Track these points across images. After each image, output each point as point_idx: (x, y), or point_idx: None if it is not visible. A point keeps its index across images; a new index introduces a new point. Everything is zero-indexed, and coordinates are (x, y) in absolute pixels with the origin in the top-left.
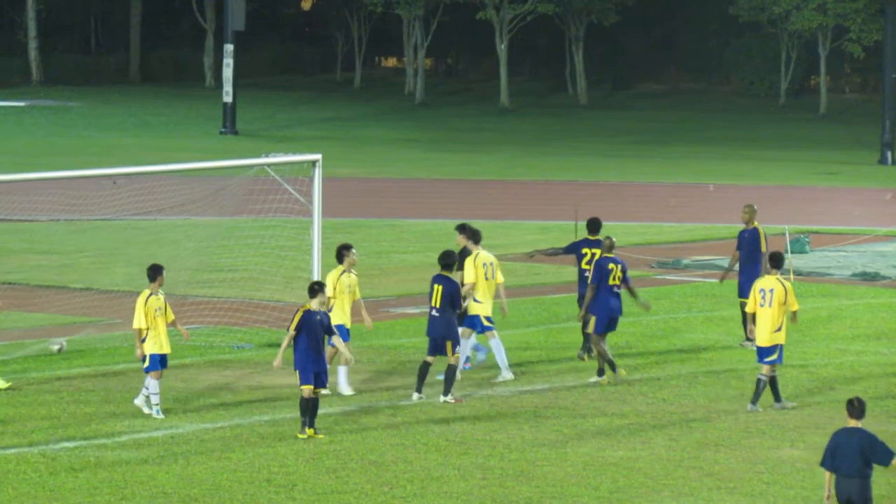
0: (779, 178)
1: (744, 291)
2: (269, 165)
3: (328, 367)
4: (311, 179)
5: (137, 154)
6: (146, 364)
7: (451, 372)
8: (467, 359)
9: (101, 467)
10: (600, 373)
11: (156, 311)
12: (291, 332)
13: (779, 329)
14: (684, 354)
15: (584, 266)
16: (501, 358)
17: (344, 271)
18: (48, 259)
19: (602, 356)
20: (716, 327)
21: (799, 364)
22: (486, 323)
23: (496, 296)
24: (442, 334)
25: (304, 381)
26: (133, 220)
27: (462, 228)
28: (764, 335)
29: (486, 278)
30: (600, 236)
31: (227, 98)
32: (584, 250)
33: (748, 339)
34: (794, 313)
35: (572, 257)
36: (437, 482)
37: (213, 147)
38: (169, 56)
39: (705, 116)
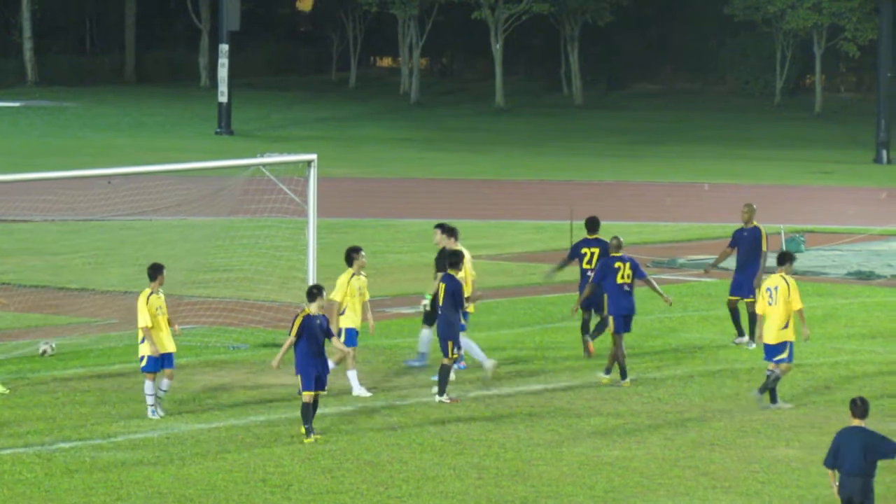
0: (774, 178)
1: (741, 290)
2: (264, 165)
3: (330, 368)
4: (307, 179)
5: (132, 154)
6: (143, 364)
7: (444, 372)
8: (461, 358)
9: (97, 468)
10: (607, 370)
11: (157, 309)
12: (292, 338)
13: (786, 326)
14: (680, 354)
15: (584, 266)
16: (476, 352)
17: (354, 274)
18: (43, 259)
19: (617, 357)
20: (711, 326)
21: (794, 363)
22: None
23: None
24: (441, 334)
25: (305, 387)
26: (128, 221)
27: (442, 227)
28: (771, 333)
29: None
30: (600, 235)
31: (223, 98)
32: (584, 250)
33: (751, 340)
34: (798, 312)
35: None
36: (432, 482)
37: (209, 147)
38: (164, 56)
39: (700, 116)
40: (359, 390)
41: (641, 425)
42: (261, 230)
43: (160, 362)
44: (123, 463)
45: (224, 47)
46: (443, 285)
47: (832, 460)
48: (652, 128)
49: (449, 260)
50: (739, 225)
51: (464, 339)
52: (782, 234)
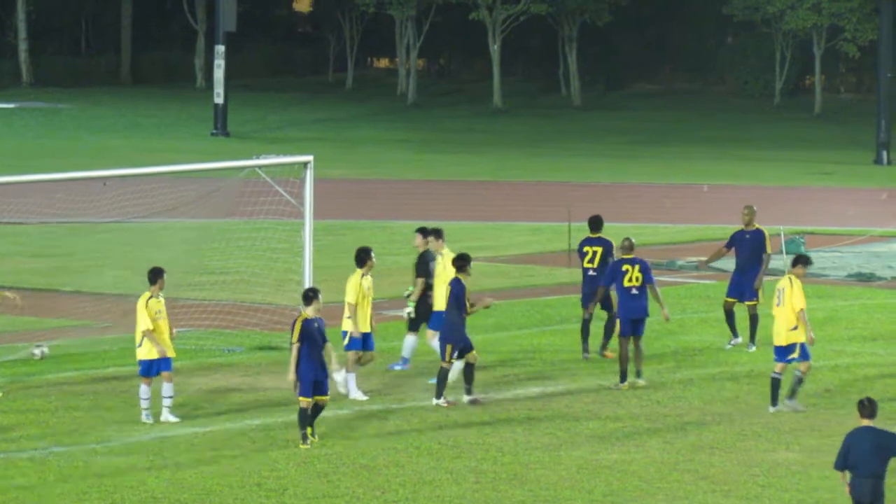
0: (773, 179)
1: (741, 293)
2: (260, 167)
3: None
4: (303, 181)
5: (128, 156)
6: (140, 368)
7: (442, 375)
8: (405, 360)
9: (91, 473)
10: (638, 374)
11: (156, 313)
12: (296, 343)
13: (795, 328)
14: (678, 356)
15: (586, 265)
16: (409, 350)
17: (364, 275)
18: (38, 262)
19: (620, 359)
20: (710, 329)
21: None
22: None
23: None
24: (441, 336)
25: (303, 393)
26: (123, 223)
27: (423, 231)
28: (780, 335)
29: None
30: (602, 234)
31: (219, 99)
32: (586, 249)
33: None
34: (799, 313)
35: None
36: (429, 486)
37: (204, 149)
38: (160, 57)
39: (699, 116)
40: (355, 394)
41: (640, 429)
42: (257, 232)
43: (157, 366)
44: (117, 467)
45: (220, 48)
46: (448, 288)
47: (842, 462)
48: (651, 128)
49: (455, 263)
50: (739, 226)
51: (435, 342)
52: (782, 236)
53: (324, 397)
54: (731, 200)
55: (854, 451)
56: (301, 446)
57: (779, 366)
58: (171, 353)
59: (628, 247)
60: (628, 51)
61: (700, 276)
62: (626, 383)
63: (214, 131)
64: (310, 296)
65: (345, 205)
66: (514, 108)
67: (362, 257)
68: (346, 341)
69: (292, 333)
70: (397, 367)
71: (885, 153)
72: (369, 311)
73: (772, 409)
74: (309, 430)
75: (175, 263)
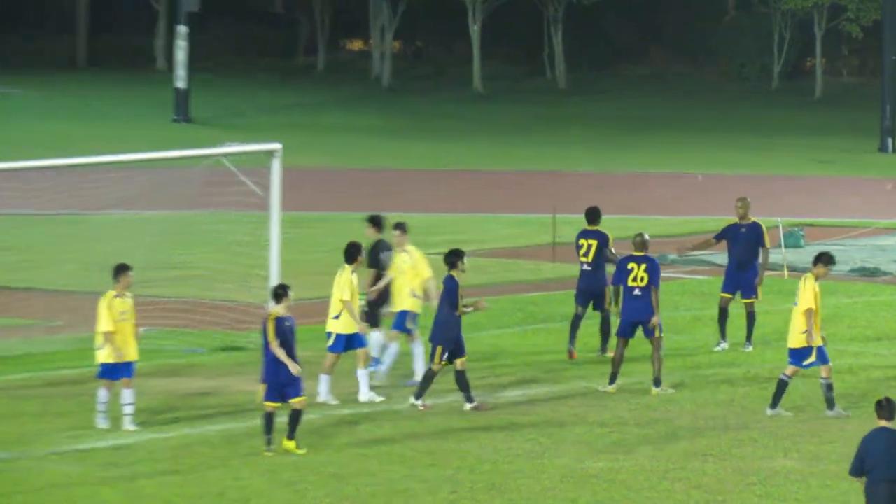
0: (771, 167)
1: (740, 290)
2: (224, 156)
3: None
4: (270, 170)
5: (83, 144)
6: (99, 371)
7: (428, 376)
8: (377, 360)
9: (41, 483)
10: (656, 383)
11: (120, 314)
12: (275, 341)
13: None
14: (670, 357)
15: (581, 258)
16: (377, 349)
17: (353, 271)
18: None
19: (613, 360)
20: (704, 328)
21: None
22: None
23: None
24: (432, 336)
25: (268, 398)
26: (78, 215)
27: (371, 219)
28: (794, 336)
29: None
30: (600, 227)
31: (181, 84)
32: (581, 241)
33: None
34: (805, 312)
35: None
36: (402, 496)
37: (165, 136)
38: (118, 39)
39: (693, 101)
40: (326, 396)
41: (629, 434)
42: (220, 225)
43: (119, 371)
44: (69, 477)
45: (182, 29)
46: (442, 286)
47: (859, 466)
48: (641, 114)
49: (447, 259)
50: (733, 219)
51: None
52: (780, 228)
53: (298, 399)
54: (727, 190)
55: (870, 454)
56: (265, 453)
57: (790, 369)
58: (132, 357)
59: (639, 243)
60: (617, 32)
61: (693, 270)
62: (613, 386)
63: (176, 118)
64: (280, 293)
65: (315, 195)
66: (495, 93)
67: (353, 253)
68: (330, 342)
69: (267, 334)
70: (372, 369)
71: (889, 140)
72: (357, 310)
73: (769, 412)
74: (293, 444)
75: (132, 258)
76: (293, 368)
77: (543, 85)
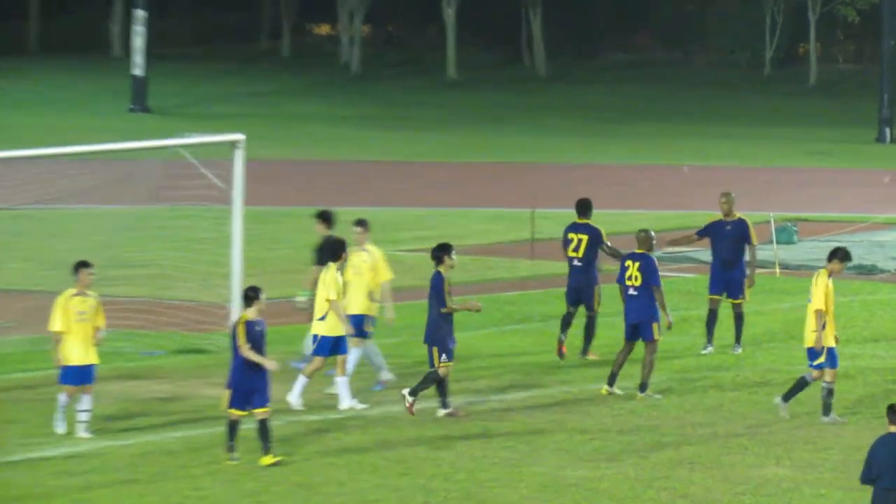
0: (763, 159)
1: (727, 289)
2: (184, 147)
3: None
4: (233, 162)
5: (35, 134)
6: (60, 374)
7: (428, 378)
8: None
9: None
10: (642, 387)
11: (78, 314)
12: (247, 345)
13: (822, 328)
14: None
15: (570, 254)
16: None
17: (338, 269)
18: None
19: (615, 361)
20: (691, 328)
21: (785, 370)
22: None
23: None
24: (427, 338)
25: (233, 404)
26: (30, 210)
27: (320, 215)
28: (806, 334)
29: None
30: (590, 220)
31: (138, 71)
32: (570, 236)
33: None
34: (815, 312)
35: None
36: None
37: (122, 127)
38: (72, 24)
39: (680, 89)
40: (296, 400)
41: (611, 442)
42: (180, 220)
43: (80, 375)
44: (20, 487)
45: (140, 13)
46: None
47: (868, 473)
48: (625, 103)
49: (433, 254)
50: (719, 215)
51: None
52: (772, 223)
53: (263, 409)
54: (715, 184)
55: (878, 461)
56: (227, 462)
57: (814, 372)
58: (91, 360)
59: (641, 239)
60: (600, 16)
61: (680, 268)
62: (608, 388)
63: (133, 107)
64: (250, 296)
65: (280, 189)
66: (471, 81)
67: (337, 249)
68: (315, 345)
69: (237, 338)
70: (301, 366)
71: (888, 130)
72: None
73: (777, 400)
74: (271, 458)
75: (87, 255)
76: (270, 365)
77: (522, 72)
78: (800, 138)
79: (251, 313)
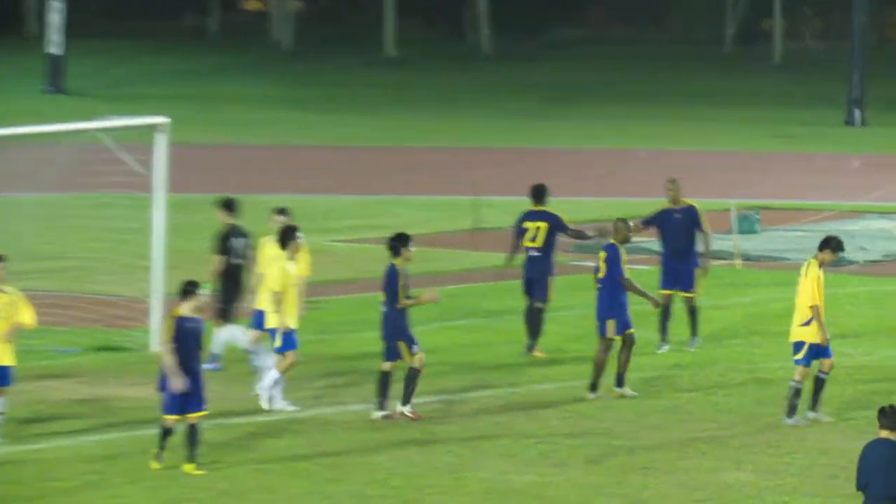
0: (723, 142)
1: (679, 282)
2: (103, 131)
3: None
4: (154, 147)
5: None
6: None
7: (410, 376)
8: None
9: None
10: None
11: None
12: (168, 344)
13: (806, 323)
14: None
15: (527, 244)
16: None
17: (289, 258)
18: None
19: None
20: (645, 324)
21: (746, 369)
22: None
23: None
24: (387, 334)
25: (167, 410)
26: None
27: (222, 203)
28: (791, 327)
29: None
30: (547, 207)
31: (54, 49)
32: (527, 224)
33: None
34: (811, 308)
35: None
36: None
37: (36, 109)
38: None
39: (635, 68)
40: (284, 405)
41: (559, 446)
42: (98, 210)
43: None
44: None
45: None
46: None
47: (860, 482)
48: (575, 82)
49: (389, 244)
50: (666, 203)
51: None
52: (732, 211)
53: (198, 414)
54: (672, 169)
55: (867, 466)
56: (153, 465)
57: (813, 365)
58: (8, 361)
59: (618, 229)
60: None
61: (634, 260)
62: (595, 395)
63: (48, 88)
64: (188, 290)
65: (207, 175)
66: (410, 58)
67: (286, 238)
68: (277, 342)
69: (163, 333)
70: (209, 367)
71: (857, 112)
72: (296, 304)
73: (809, 414)
74: (193, 466)
75: None
76: (175, 383)
77: (465, 49)
78: (763, 120)
79: (185, 309)
